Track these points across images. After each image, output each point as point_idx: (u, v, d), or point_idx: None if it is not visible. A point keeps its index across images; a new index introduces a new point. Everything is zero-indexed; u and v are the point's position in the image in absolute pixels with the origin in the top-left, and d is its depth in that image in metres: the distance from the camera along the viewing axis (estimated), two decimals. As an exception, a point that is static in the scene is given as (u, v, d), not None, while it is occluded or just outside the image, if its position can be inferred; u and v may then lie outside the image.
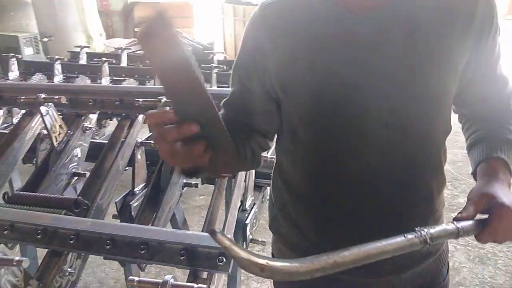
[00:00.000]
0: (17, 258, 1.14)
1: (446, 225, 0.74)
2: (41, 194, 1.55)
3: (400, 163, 0.85)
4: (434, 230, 0.71)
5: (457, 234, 0.73)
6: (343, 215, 0.89)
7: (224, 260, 1.23)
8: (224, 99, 0.95)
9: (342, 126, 0.83)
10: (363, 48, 0.78)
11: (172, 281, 1.05)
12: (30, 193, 1.55)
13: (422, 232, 0.70)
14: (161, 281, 1.05)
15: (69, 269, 1.40)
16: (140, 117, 1.86)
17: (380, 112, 0.80)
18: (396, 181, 0.85)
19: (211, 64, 3.67)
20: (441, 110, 0.86)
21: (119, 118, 2.00)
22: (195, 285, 1.06)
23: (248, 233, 1.72)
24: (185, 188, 1.75)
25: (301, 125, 0.87)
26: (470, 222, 0.75)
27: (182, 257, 1.26)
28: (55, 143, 1.75)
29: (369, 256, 0.66)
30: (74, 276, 1.44)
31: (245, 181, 1.75)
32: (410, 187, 0.87)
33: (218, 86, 3.28)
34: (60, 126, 1.77)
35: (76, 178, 1.85)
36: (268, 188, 2.05)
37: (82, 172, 1.83)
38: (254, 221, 1.79)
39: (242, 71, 0.90)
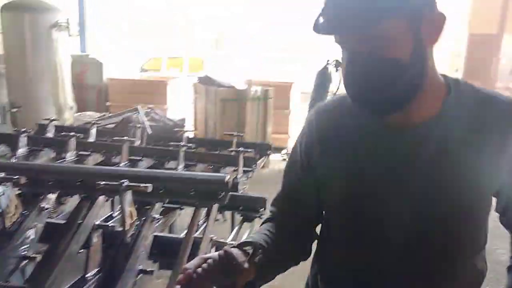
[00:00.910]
0: None
1: None
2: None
3: (416, 270, 0.91)
4: None
5: None
6: None
7: None
8: (276, 196, 1.07)
9: (365, 226, 0.93)
10: (394, 161, 0.88)
11: None
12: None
13: None
14: None
15: None
16: (101, 198, 1.84)
17: (400, 220, 0.88)
18: (413, 285, 0.91)
19: (180, 142, 3.74)
20: (465, 227, 0.89)
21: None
22: None
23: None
24: (140, 275, 1.70)
25: (333, 219, 1.00)
26: None
27: None
28: (8, 225, 1.69)
29: None
30: None
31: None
32: None
33: (186, 164, 3.32)
34: (15, 206, 1.73)
35: (25, 261, 1.76)
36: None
37: (33, 256, 1.75)
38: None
39: (298, 166, 1.01)
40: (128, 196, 1.62)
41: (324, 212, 1.04)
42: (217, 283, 0.85)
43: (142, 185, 1.57)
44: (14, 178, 1.66)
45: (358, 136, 0.92)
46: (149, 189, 1.56)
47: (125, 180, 1.58)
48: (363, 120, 0.91)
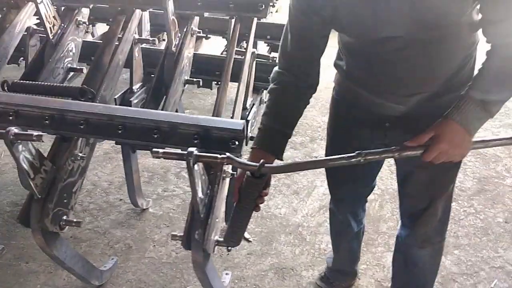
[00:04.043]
0: (36, 133, 1.14)
1: (387, 151, 1.05)
2: (43, 83, 1.52)
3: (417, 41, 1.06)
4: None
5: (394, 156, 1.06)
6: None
7: (237, 143, 1.29)
8: (282, 46, 1.20)
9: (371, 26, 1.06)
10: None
11: (196, 152, 1.10)
12: (32, 82, 1.51)
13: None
14: (186, 152, 1.09)
15: (80, 154, 1.43)
16: (137, 12, 1.79)
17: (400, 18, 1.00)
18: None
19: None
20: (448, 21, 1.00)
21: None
22: (218, 155, 1.10)
23: (248, 130, 1.78)
24: (186, 85, 1.76)
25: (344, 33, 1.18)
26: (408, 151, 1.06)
27: (196, 141, 1.30)
28: (50, 35, 1.68)
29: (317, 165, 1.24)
30: (84, 162, 1.47)
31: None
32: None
33: None
34: (54, 17, 1.69)
35: (72, 73, 1.81)
36: (265, 91, 2.10)
37: (78, 67, 1.79)
38: (253, 120, 1.85)
39: (300, 15, 1.12)
40: (170, 4, 1.58)
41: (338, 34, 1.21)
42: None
43: (186, -11, 1.51)
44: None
45: None
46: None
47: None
48: None
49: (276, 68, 1.24)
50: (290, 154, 2.75)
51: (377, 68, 1.15)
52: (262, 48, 2.74)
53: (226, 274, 1.79)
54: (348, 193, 1.55)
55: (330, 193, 1.57)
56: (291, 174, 2.53)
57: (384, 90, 1.18)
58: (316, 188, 2.46)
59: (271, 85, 1.24)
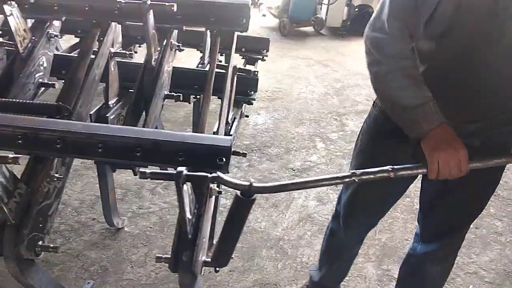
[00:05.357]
0: (12, 156, 1.06)
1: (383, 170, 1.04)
2: (15, 100, 1.44)
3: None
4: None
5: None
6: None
7: (224, 160, 1.26)
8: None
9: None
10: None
11: (186, 171, 1.06)
12: (2, 99, 1.42)
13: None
14: (175, 172, 1.06)
15: (56, 175, 1.35)
16: (113, 25, 1.73)
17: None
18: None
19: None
20: None
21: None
22: (208, 174, 1.07)
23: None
24: (165, 100, 1.72)
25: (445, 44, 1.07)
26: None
27: (181, 158, 1.27)
28: (21, 49, 1.59)
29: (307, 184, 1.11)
30: (60, 183, 1.39)
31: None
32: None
33: None
34: (24, 30, 1.61)
35: (43, 88, 1.72)
36: (244, 104, 2.08)
37: (50, 82, 1.71)
38: (235, 134, 1.83)
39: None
40: (151, 18, 1.54)
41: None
42: None
43: (167, 4, 1.47)
44: (19, -3, 1.51)
45: None
46: (175, 9, 1.48)
47: (147, -1, 1.48)
48: None
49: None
50: (266, 166, 2.74)
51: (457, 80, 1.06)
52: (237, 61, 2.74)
53: (209, 293, 1.75)
54: (367, 221, 1.49)
55: (342, 221, 1.48)
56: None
57: (453, 109, 1.07)
58: (294, 200, 2.45)
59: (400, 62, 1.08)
